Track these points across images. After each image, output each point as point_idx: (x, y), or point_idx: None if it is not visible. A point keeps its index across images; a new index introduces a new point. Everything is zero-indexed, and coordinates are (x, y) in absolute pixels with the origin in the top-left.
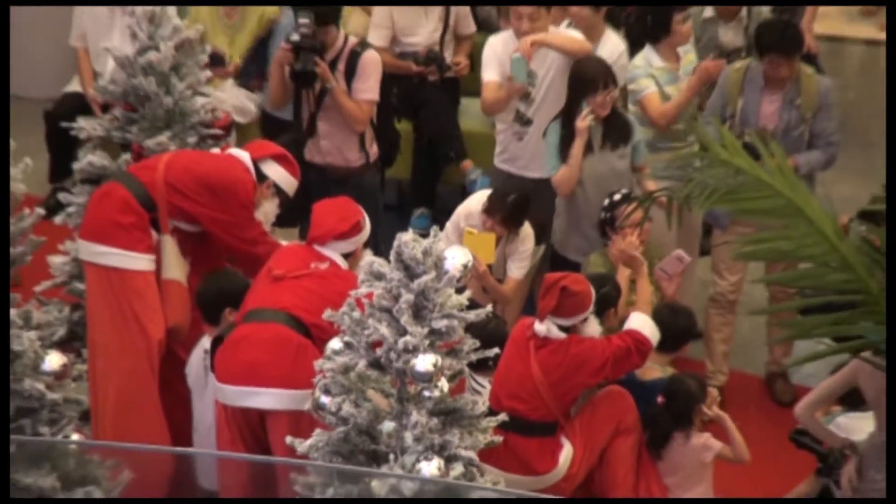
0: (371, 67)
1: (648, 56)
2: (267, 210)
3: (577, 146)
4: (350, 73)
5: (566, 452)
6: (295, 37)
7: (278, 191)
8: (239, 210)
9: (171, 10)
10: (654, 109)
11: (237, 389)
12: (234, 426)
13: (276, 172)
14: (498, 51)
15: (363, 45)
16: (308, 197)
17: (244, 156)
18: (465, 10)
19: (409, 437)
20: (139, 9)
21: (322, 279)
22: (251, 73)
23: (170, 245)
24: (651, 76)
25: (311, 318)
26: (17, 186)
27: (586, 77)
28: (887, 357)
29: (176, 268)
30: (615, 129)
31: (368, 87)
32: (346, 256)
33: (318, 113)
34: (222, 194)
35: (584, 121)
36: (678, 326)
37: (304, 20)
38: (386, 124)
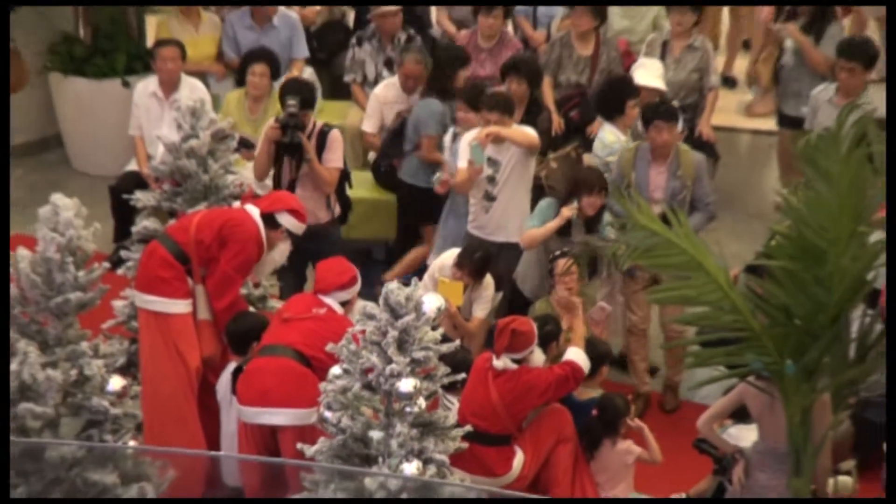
0: (336, 143)
1: (615, 132)
2: (282, 249)
3: (555, 224)
4: (320, 148)
5: (519, 458)
6: (283, 116)
7: (290, 234)
8: (236, 269)
9: (209, 106)
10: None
11: (254, 410)
12: (252, 439)
13: (288, 221)
14: (469, 140)
15: (328, 125)
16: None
17: (255, 211)
18: None
19: (394, 443)
20: (183, 104)
21: (321, 321)
22: None
23: (201, 293)
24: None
25: (312, 351)
26: (88, 245)
27: (586, 181)
28: (887, 358)
29: (206, 310)
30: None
31: (335, 158)
32: (344, 304)
33: (296, 180)
34: (234, 245)
35: (569, 210)
36: (596, 355)
37: (292, 101)
38: (342, 191)
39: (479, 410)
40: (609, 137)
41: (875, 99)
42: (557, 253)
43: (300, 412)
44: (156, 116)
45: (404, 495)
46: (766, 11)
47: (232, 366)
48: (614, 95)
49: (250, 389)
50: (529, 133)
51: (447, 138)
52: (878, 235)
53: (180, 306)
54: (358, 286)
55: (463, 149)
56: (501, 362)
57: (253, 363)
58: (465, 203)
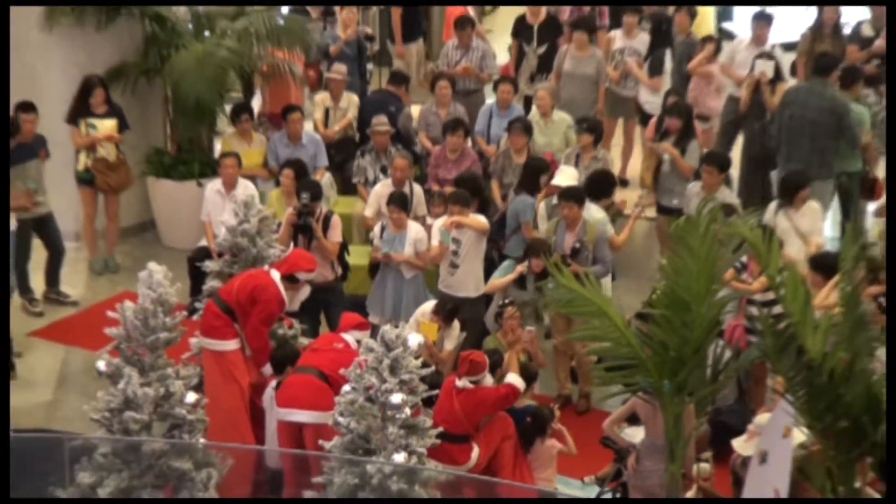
0: (336, 224)
1: (599, 209)
2: (301, 296)
3: (510, 278)
4: (325, 227)
5: (475, 452)
6: (298, 206)
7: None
8: (261, 322)
9: (257, 200)
10: (616, 242)
11: (286, 410)
12: (284, 433)
13: (305, 275)
14: (439, 226)
15: (331, 211)
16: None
17: (276, 275)
18: (421, 196)
19: (388, 440)
20: (239, 199)
21: (339, 352)
22: None
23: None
24: (608, 222)
25: (331, 373)
26: (172, 298)
27: (534, 247)
28: (887, 358)
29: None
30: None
31: (336, 234)
32: (358, 342)
33: (309, 250)
34: (261, 304)
35: (522, 267)
36: (528, 376)
37: (304, 195)
38: (343, 258)
39: (447, 417)
40: (599, 214)
41: (725, 193)
42: (506, 302)
43: (319, 414)
44: (219, 207)
45: (394, 478)
46: (648, 132)
47: (273, 382)
48: (602, 182)
49: (285, 396)
50: (482, 220)
51: (376, 229)
52: (725, 291)
53: (230, 345)
54: (368, 331)
55: (434, 233)
56: (462, 383)
57: (289, 378)
58: (395, 271)
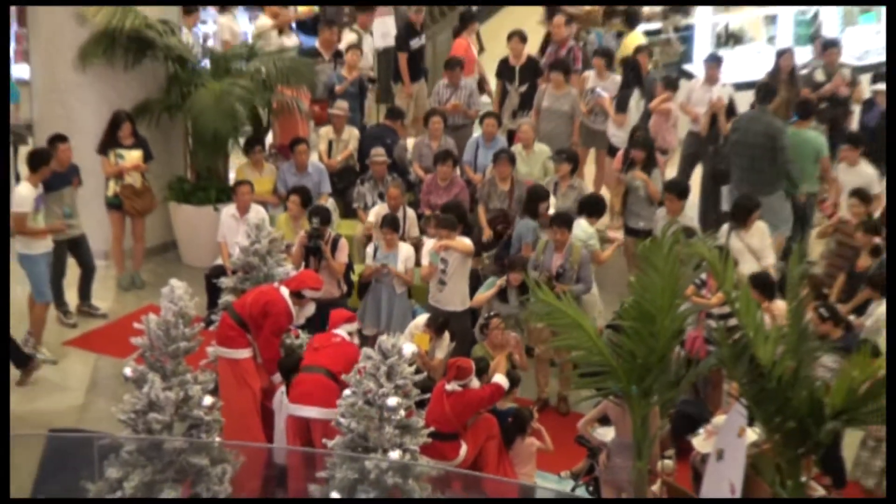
0: (343, 247)
1: (589, 224)
2: (307, 312)
3: (492, 292)
4: (333, 249)
5: (463, 449)
6: (310, 229)
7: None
8: (272, 333)
9: (267, 223)
10: (600, 257)
11: (297, 406)
12: (293, 429)
13: (311, 293)
14: (428, 249)
15: (339, 235)
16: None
17: (286, 291)
18: (413, 219)
19: (384, 439)
20: (251, 222)
21: (337, 347)
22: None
23: (257, 348)
24: (596, 237)
25: (336, 368)
26: (192, 311)
27: (512, 263)
28: (887, 358)
29: (261, 355)
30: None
31: (343, 256)
32: (350, 334)
33: (318, 270)
34: (271, 318)
35: (501, 282)
36: (512, 381)
37: (315, 220)
38: (348, 276)
39: (437, 418)
40: (590, 229)
41: (686, 217)
42: (492, 314)
43: (327, 411)
44: (234, 230)
45: (390, 473)
46: (616, 164)
47: (283, 388)
48: (595, 202)
49: (296, 392)
50: (467, 243)
51: (369, 249)
52: (686, 305)
53: (244, 353)
54: (356, 323)
55: (424, 254)
56: (451, 386)
57: (299, 376)
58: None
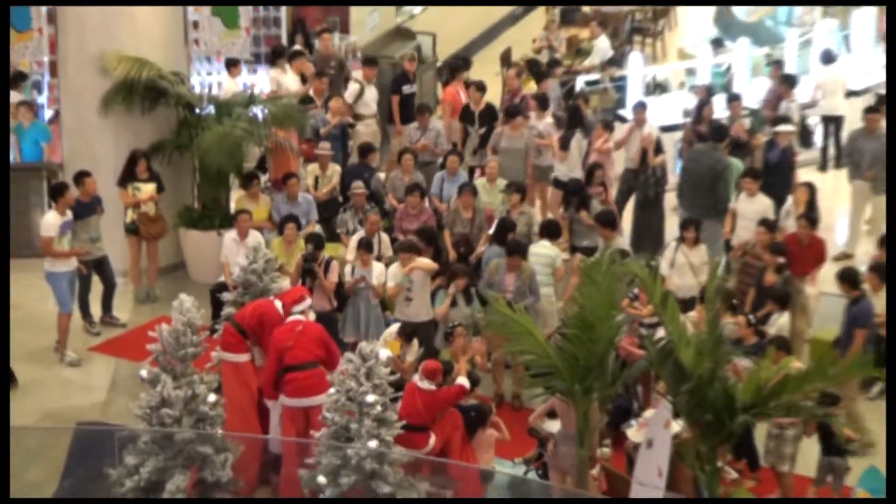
0: (335, 268)
1: (552, 245)
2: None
3: (447, 303)
4: (326, 270)
5: (432, 439)
6: (306, 253)
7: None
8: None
9: (263, 246)
10: (560, 273)
11: (298, 400)
12: (290, 416)
13: (297, 308)
14: (395, 273)
15: (331, 258)
16: None
17: (279, 305)
18: (387, 241)
19: (363, 430)
20: (249, 245)
21: (300, 334)
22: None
23: (256, 351)
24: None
25: (318, 352)
26: (198, 321)
27: (456, 272)
28: (887, 356)
29: (259, 359)
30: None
31: (334, 276)
32: (303, 312)
33: (312, 289)
34: (267, 327)
35: (452, 290)
36: (472, 381)
37: (310, 246)
38: (339, 293)
39: (410, 412)
40: (552, 251)
41: (619, 241)
42: (455, 325)
43: (322, 396)
44: (235, 252)
45: (368, 460)
46: (556, 202)
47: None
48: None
49: (292, 388)
50: (429, 263)
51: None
52: (621, 316)
53: (243, 357)
54: (308, 300)
55: (390, 276)
56: (424, 385)
57: (291, 375)
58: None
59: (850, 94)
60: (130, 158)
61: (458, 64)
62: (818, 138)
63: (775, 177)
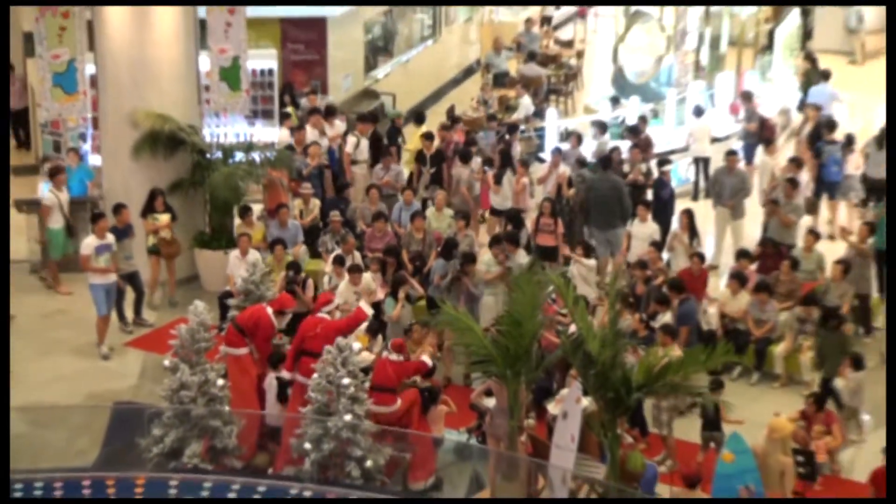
0: (311, 286)
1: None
2: (284, 319)
3: (398, 309)
4: (303, 287)
5: (398, 402)
6: (288, 276)
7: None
8: (264, 338)
9: (260, 262)
10: (491, 276)
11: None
12: (299, 392)
13: (288, 311)
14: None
15: (307, 275)
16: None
17: (270, 310)
18: (358, 258)
19: (341, 406)
20: (249, 261)
21: (325, 330)
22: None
23: (254, 347)
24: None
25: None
26: (209, 321)
27: (398, 281)
28: (887, 356)
29: (256, 353)
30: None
31: (310, 291)
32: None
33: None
34: (261, 328)
35: (401, 297)
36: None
37: (291, 271)
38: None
39: (382, 379)
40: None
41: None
42: (412, 324)
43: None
44: (237, 267)
45: (344, 430)
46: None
47: (272, 374)
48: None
49: (306, 369)
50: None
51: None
52: (542, 315)
53: (243, 351)
54: (333, 303)
55: (339, 292)
56: (394, 357)
57: (305, 359)
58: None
59: (715, 140)
60: (150, 195)
61: (421, 116)
62: (690, 175)
63: (664, 207)
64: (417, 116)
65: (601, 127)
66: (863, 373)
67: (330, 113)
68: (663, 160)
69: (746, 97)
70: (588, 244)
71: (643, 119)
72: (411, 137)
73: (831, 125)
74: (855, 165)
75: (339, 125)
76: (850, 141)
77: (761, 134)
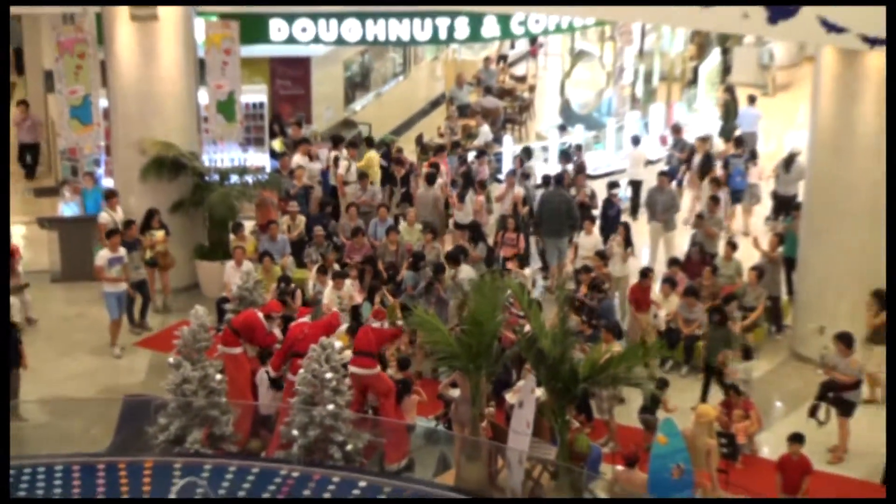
0: (298, 296)
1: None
2: (275, 323)
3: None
4: (292, 297)
5: (377, 368)
6: (280, 289)
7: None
8: (261, 335)
9: (252, 271)
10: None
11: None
12: (291, 387)
13: (276, 315)
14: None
15: (295, 288)
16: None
17: (261, 315)
18: (338, 268)
19: (326, 395)
20: (243, 271)
21: (312, 332)
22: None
23: (248, 346)
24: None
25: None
26: (207, 323)
27: (375, 288)
28: (887, 355)
29: (251, 351)
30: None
31: (298, 301)
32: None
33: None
34: (254, 329)
35: (377, 304)
36: (404, 362)
37: (283, 284)
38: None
39: (364, 344)
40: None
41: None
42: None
43: None
44: (233, 275)
45: (328, 418)
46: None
47: (263, 369)
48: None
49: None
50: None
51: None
52: (501, 317)
53: (237, 350)
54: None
55: (326, 294)
56: (376, 324)
57: (296, 360)
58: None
59: (648, 162)
60: (147, 214)
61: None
62: (628, 194)
63: (612, 224)
64: (368, 140)
65: (526, 152)
66: (752, 362)
67: (338, 141)
68: (612, 183)
69: (676, 129)
70: (523, 257)
71: (578, 147)
72: (364, 157)
73: (739, 141)
74: (758, 175)
75: (324, 152)
76: (753, 155)
77: (689, 160)
